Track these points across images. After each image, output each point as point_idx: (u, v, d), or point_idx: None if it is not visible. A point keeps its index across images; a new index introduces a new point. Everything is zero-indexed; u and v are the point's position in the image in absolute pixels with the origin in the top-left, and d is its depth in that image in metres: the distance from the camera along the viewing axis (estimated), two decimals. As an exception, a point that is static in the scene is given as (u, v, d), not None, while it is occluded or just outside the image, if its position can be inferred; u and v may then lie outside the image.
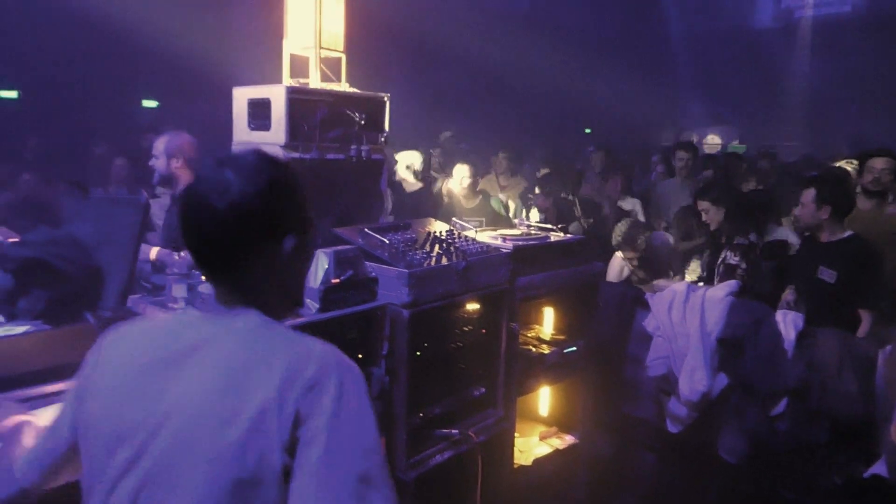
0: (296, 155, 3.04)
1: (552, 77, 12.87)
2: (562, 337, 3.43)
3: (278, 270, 1.26)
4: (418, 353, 2.56)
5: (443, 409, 2.71)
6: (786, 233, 4.35)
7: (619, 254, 4.75)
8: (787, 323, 3.32)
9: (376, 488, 1.09)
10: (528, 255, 3.03)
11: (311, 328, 2.20)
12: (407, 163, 5.48)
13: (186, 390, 1.15)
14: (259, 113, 3.12)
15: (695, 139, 12.65)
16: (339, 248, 2.41)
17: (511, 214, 5.73)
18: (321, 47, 3.28)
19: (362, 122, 3.26)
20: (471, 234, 3.09)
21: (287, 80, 3.28)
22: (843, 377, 3.14)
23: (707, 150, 12.73)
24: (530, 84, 12.67)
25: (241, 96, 3.19)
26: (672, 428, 3.62)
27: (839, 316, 3.49)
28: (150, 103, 9.92)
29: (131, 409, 1.18)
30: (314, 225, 1.35)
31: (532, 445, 3.38)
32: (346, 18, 3.44)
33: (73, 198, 2.68)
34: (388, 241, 2.67)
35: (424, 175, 5.72)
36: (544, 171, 6.43)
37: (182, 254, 2.34)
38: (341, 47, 3.41)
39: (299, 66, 3.36)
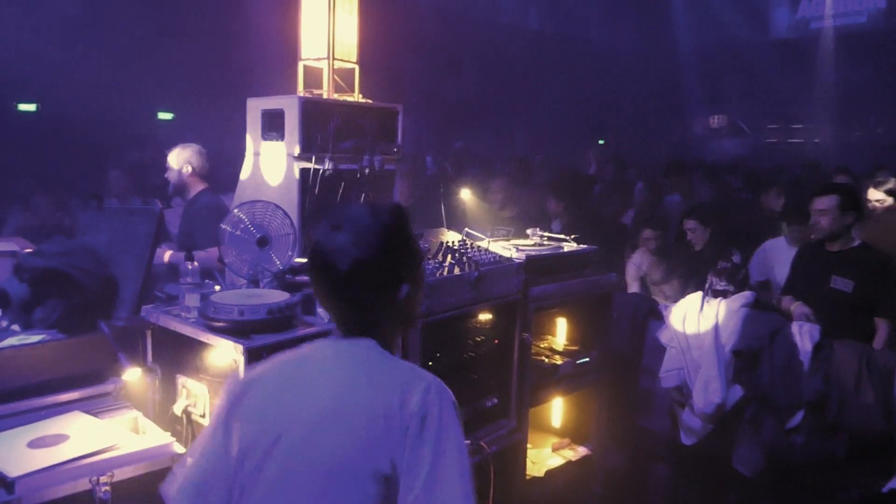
0: (309, 165, 3.06)
1: (565, 88, 12.87)
2: (575, 348, 3.41)
3: (394, 310, 1.43)
4: (430, 364, 2.55)
5: (455, 419, 2.69)
6: (782, 243, 4.34)
7: (633, 256, 4.73)
8: (803, 334, 3.27)
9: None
10: (541, 265, 3.02)
11: (324, 337, 2.20)
12: None
13: (308, 403, 1.31)
14: (273, 123, 3.15)
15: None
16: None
17: None
18: (335, 58, 3.31)
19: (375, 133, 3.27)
20: (483, 244, 3.09)
21: (301, 91, 3.31)
22: (861, 390, 3.10)
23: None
24: (543, 95, 12.68)
25: (255, 107, 3.22)
26: (686, 440, 3.57)
27: (855, 326, 3.45)
28: (165, 115, 10.01)
29: (261, 422, 1.34)
30: (425, 271, 1.52)
31: (544, 457, 3.36)
32: (359, 30, 3.46)
33: (89, 208, 2.69)
34: (400, 251, 2.67)
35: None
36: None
37: (195, 263, 2.35)
38: (354, 58, 3.43)
39: (313, 77, 3.38)
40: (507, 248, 3.10)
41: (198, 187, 4.01)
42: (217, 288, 2.49)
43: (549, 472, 3.21)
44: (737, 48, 14.72)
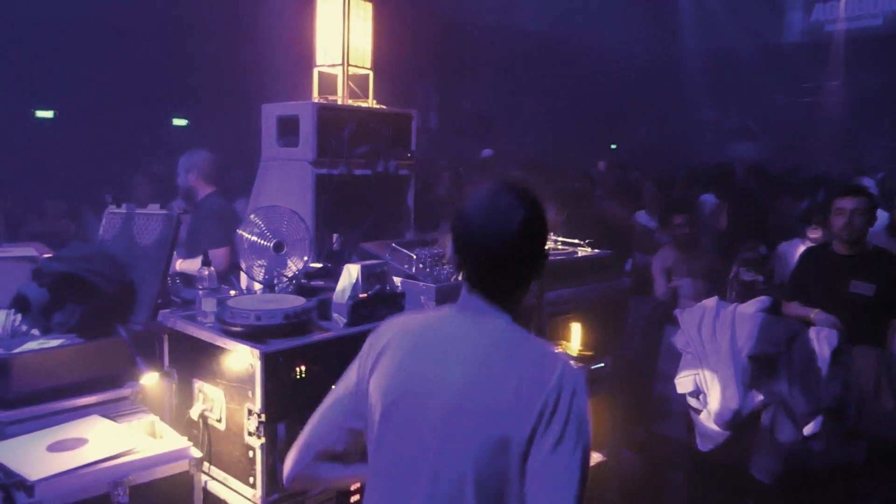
0: (323, 171, 3.08)
1: (578, 93, 12.86)
2: (590, 353, 3.39)
3: (529, 285, 1.52)
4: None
5: (470, 425, 2.69)
6: (797, 245, 4.30)
7: (660, 251, 4.68)
8: (821, 340, 3.24)
9: (586, 476, 1.35)
10: (556, 270, 3.02)
11: (339, 342, 2.21)
12: None
13: (449, 374, 1.40)
14: (288, 129, 3.17)
15: None
16: (367, 262, 2.42)
17: None
18: (349, 64, 3.32)
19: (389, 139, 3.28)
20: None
21: (316, 97, 3.32)
22: (880, 396, 3.06)
23: None
24: (555, 100, 12.67)
25: (271, 113, 3.24)
26: (702, 446, 3.54)
27: (874, 330, 3.41)
28: (180, 121, 10.10)
29: (401, 386, 1.44)
30: None
31: (559, 463, 3.34)
32: (373, 36, 3.48)
33: (106, 213, 2.72)
34: (415, 257, 2.68)
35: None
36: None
37: (211, 269, 2.37)
38: (369, 64, 3.45)
39: (327, 83, 3.40)
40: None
41: (205, 191, 4.04)
42: (233, 293, 2.50)
43: (564, 479, 3.19)
44: (750, 52, 14.65)
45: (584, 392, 1.37)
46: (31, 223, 5.60)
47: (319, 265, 2.69)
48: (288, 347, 2.09)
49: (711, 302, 3.63)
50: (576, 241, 3.41)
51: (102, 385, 2.18)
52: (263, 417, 2.04)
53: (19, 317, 2.26)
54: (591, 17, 14.37)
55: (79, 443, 1.88)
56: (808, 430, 3.17)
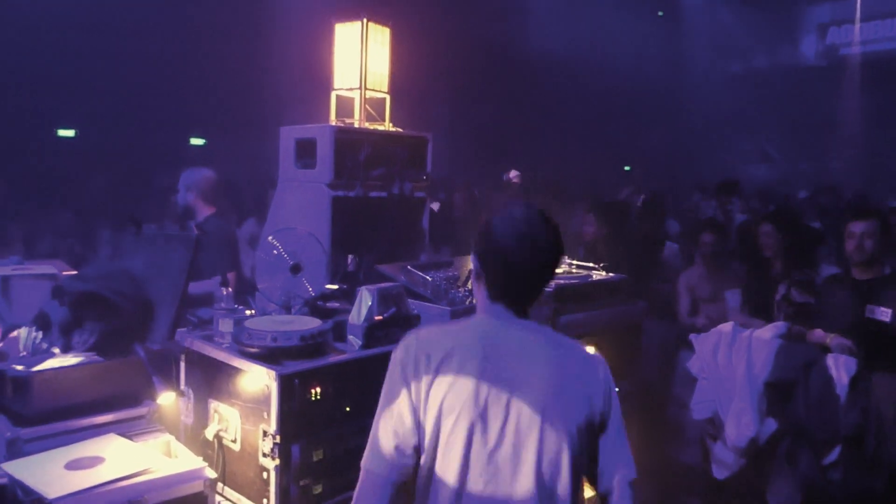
0: (340, 192, 3.11)
1: (592, 115, 12.89)
2: (604, 377, 3.37)
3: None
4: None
5: (483, 448, 2.68)
6: (831, 270, 4.25)
7: (687, 270, 4.66)
8: (840, 366, 3.20)
9: None
10: (571, 293, 3.02)
11: (355, 364, 2.22)
12: None
13: (532, 373, 1.60)
14: (305, 151, 3.21)
15: None
16: (383, 285, 2.43)
17: None
18: (367, 88, 3.37)
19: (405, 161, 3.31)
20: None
21: (333, 120, 3.37)
22: (900, 424, 3.02)
23: None
24: (569, 121, 12.71)
25: (288, 135, 3.28)
26: (718, 474, 3.50)
27: (893, 356, 3.36)
28: (197, 141, 10.23)
29: (480, 388, 1.58)
30: None
31: (573, 488, 3.31)
32: (390, 60, 3.52)
33: (127, 233, 2.75)
34: (430, 279, 2.69)
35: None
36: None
37: (229, 289, 2.39)
38: (386, 88, 3.49)
39: (344, 106, 3.44)
40: (535, 276, 3.10)
41: (204, 212, 3.97)
42: (248, 312, 2.52)
43: (578, 504, 3.17)
44: (765, 75, 14.66)
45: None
46: (43, 240, 5.66)
47: (335, 287, 2.71)
48: (304, 369, 2.10)
49: (727, 327, 3.61)
50: (591, 264, 3.41)
51: (119, 403, 2.19)
52: (278, 439, 2.04)
53: (40, 334, 2.28)
54: (605, 39, 14.45)
55: (96, 461, 1.89)
56: (826, 458, 3.13)
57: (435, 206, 5.65)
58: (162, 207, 5.74)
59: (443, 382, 1.59)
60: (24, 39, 7.04)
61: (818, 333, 3.66)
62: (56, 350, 2.31)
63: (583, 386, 1.64)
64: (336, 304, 2.58)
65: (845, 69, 14.78)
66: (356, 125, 3.34)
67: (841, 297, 3.68)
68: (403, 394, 1.62)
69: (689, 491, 3.79)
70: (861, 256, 3.54)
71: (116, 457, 1.93)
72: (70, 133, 8.61)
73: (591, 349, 1.79)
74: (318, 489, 2.14)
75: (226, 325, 2.28)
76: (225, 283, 2.40)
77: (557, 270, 3.41)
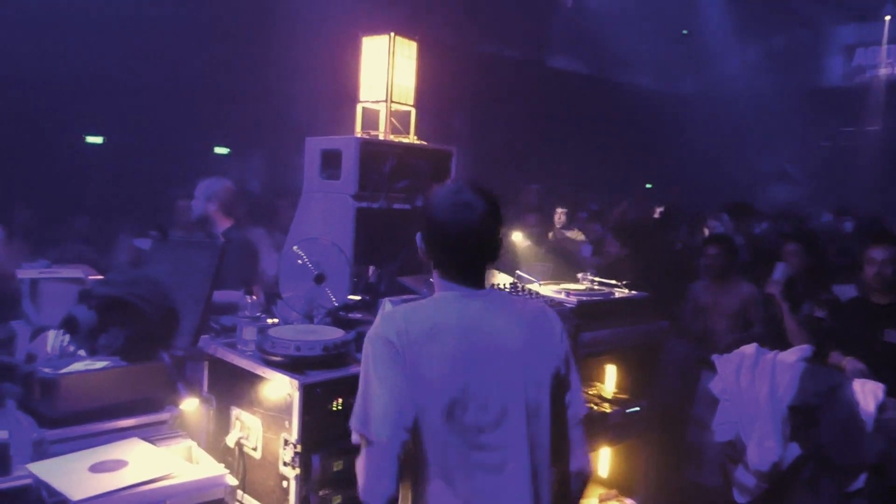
0: (364, 204, 3.13)
1: (613, 132, 12.88)
2: (624, 396, 3.35)
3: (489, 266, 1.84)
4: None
5: (501, 464, 2.66)
6: (851, 291, 4.20)
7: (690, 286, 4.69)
8: (866, 393, 3.14)
9: None
10: (592, 310, 3.00)
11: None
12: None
13: (501, 336, 1.70)
14: (330, 162, 3.23)
15: None
16: (405, 297, 2.44)
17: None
18: (392, 101, 3.39)
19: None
20: (534, 287, 3.08)
21: (358, 132, 3.39)
22: (927, 453, 2.95)
23: None
24: (591, 139, 12.70)
25: (314, 146, 3.31)
26: (739, 498, 3.44)
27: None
28: (221, 150, 10.34)
29: (462, 360, 1.65)
30: None
31: (591, 508, 3.28)
32: (416, 73, 3.55)
33: (154, 240, 2.79)
34: (452, 292, 2.69)
35: None
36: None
37: (253, 297, 2.41)
38: (412, 101, 3.51)
39: (370, 118, 3.47)
40: (557, 292, 3.09)
41: (224, 223, 3.95)
42: (270, 321, 2.54)
43: (596, 524, 3.13)
44: (789, 95, 14.56)
45: None
46: (69, 245, 5.72)
47: (357, 297, 2.72)
48: (326, 379, 2.11)
49: (751, 348, 3.56)
50: (613, 281, 3.39)
51: (143, 408, 2.21)
52: (299, 448, 2.05)
53: (68, 337, 2.31)
54: (626, 57, 14.46)
55: (119, 465, 1.91)
56: (851, 486, 3.07)
57: None
58: (172, 215, 5.79)
59: (426, 357, 1.63)
60: (55, 48, 7.19)
61: (835, 356, 3.62)
62: (82, 353, 2.34)
63: (550, 338, 1.79)
64: (358, 315, 2.59)
65: (871, 91, 14.66)
66: (381, 137, 3.36)
67: (859, 320, 3.65)
68: (395, 368, 1.63)
69: (709, 514, 3.74)
70: (881, 283, 3.56)
71: (139, 461, 1.94)
72: (98, 140, 8.75)
73: (546, 308, 1.91)
74: (337, 500, 2.13)
75: (249, 333, 2.30)
76: (249, 292, 2.42)
77: (578, 287, 3.40)
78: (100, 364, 2.22)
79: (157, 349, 2.32)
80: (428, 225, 1.75)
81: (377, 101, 3.42)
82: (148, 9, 7.67)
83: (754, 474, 3.31)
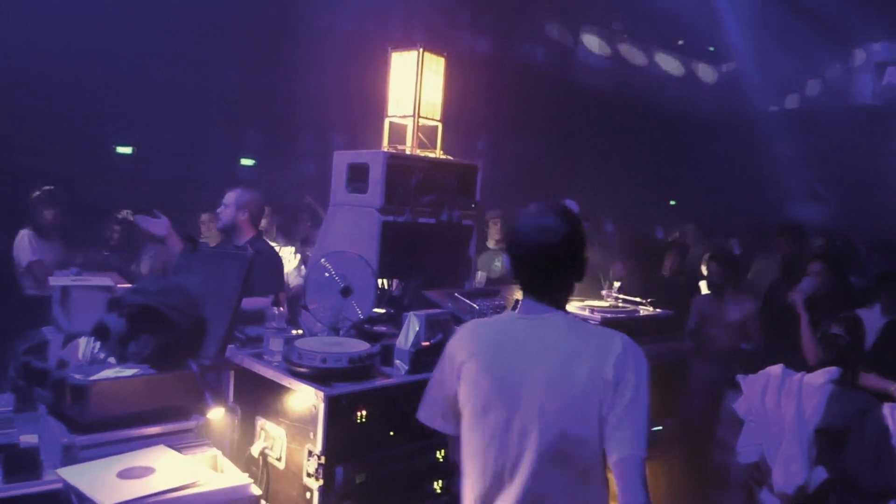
0: (389, 217, 3.15)
1: (639, 149, 12.83)
2: (647, 415, 3.31)
3: (573, 287, 1.85)
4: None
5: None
6: (876, 313, 4.13)
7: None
8: (896, 417, 3.09)
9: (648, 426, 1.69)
10: (616, 327, 2.98)
11: (401, 389, 2.23)
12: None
13: (534, 362, 1.71)
14: (357, 176, 3.26)
15: None
16: (431, 311, 2.45)
17: None
18: (420, 116, 3.42)
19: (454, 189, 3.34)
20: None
21: (385, 146, 3.42)
22: (960, 481, 2.89)
23: None
24: (616, 155, 12.66)
25: (341, 160, 3.34)
26: (764, 521, 3.39)
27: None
28: (247, 161, 10.47)
29: (498, 376, 1.73)
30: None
31: (612, 527, 3.24)
32: (443, 89, 3.58)
33: (184, 250, 2.83)
34: (476, 307, 2.70)
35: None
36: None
37: (281, 308, 2.44)
38: (438, 116, 3.54)
39: (396, 132, 3.50)
40: (581, 309, 3.08)
41: (249, 233, 3.97)
42: (294, 332, 2.56)
43: (617, 544, 3.09)
44: (818, 112, 14.41)
45: (644, 363, 1.72)
46: (96, 252, 5.82)
47: (382, 311, 2.73)
48: (351, 391, 2.12)
49: (777, 369, 3.52)
50: (638, 299, 3.37)
51: (170, 416, 2.24)
52: (323, 459, 2.06)
53: (98, 344, 2.36)
54: (654, 72, 14.42)
55: (147, 471, 1.93)
56: (880, 512, 3.01)
57: None
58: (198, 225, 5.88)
59: (466, 372, 1.77)
60: (88, 63, 7.37)
61: (873, 379, 3.55)
62: (112, 360, 2.38)
63: (592, 363, 1.68)
64: (383, 328, 2.61)
65: (901, 109, 14.45)
66: (408, 152, 3.39)
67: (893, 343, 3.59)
68: (444, 377, 1.84)
69: (733, 537, 3.68)
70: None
71: (166, 468, 1.97)
72: (127, 150, 8.91)
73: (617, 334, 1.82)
74: (359, 512, 2.14)
75: (276, 344, 2.32)
76: (277, 303, 2.44)
77: (602, 304, 3.40)
78: (129, 371, 2.25)
79: (185, 358, 2.35)
80: (511, 247, 1.81)
81: (405, 116, 3.45)
82: (177, 31, 7.83)
83: (779, 497, 3.26)
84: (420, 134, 3.47)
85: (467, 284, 3.46)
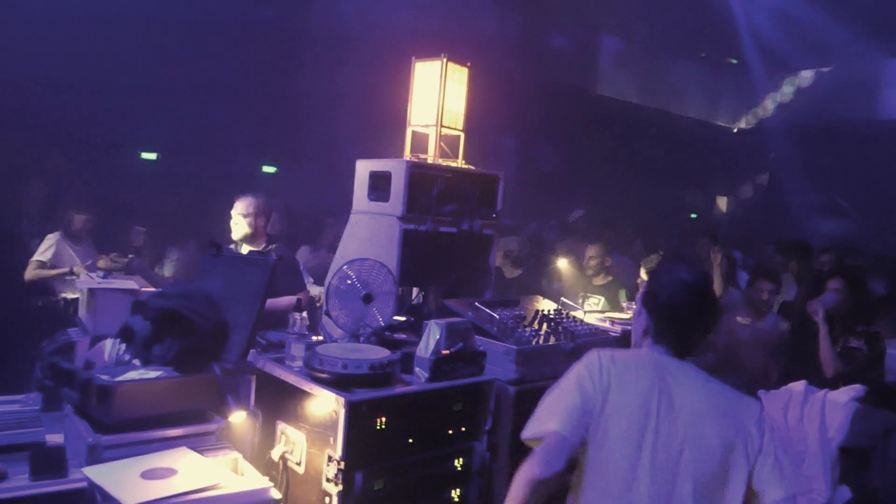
0: (411, 226, 3.16)
1: (660, 162, 12.77)
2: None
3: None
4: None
5: (541, 492, 2.64)
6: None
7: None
8: (922, 437, 3.03)
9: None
10: (637, 340, 2.97)
11: (420, 397, 2.24)
12: (505, 249, 5.52)
13: (681, 401, 1.78)
14: (379, 184, 3.29)
15: None
16: (451, 320, 2.46)
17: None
18: (442, 125, 3.44)
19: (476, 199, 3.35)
20: (579, 314, 3.07)
21: (407, 155, 3.44)
22: None
23: None
24: (634, 166, 12.62)
25: (364, 168, 3.37)
26: (785, 540, 3.33)
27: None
28: (269, 169, 10.57)
29: (640, 412, 1.77)
30: None
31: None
32: (466, 99, 3.59)
33: (208, 255, 2.87)
34: (497, 316, 2.70)
35: (524, 260, 5.76)
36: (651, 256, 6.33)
37: (304, 314, 2.46)
38: (461, 126, 3.56)
39: (419, 141, 3.52)
40: (601, 321, 3.07)
41: (264, 237, 4.09)
42: (314, 339, 2.57)
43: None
44: (841, 127, 14.24)
45: (773, 433, 1.83)
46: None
47: (403, 318, 2.74)
48: (372, 398, 2.13)
49: (799, 386, 3.47)
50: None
51: (192, 419, 2.26)
52: (343, 465, 2.07)
53: (123, 346, 2.39)
54: (676, 84, 14.36)
55: (169, 472, 1.96)
56: (905, 533, 2.95)
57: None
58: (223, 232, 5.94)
59: (618, 393, 1.78)
60: (115, 70, 7.51)
61: None
62: (136, 362, 2.41)
63: (736, 416, 1.78)
64: (403, 336, 2.62)
65: (930, 124, 14.24)
66: (430, 161, 3.40)
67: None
68: (579, 395, 1.80)
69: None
70: None
71: (188, 470, 1.99)
72: (152, 156, 9.04)
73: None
74: (376, 519, 2.15)
75: (298, 350, 2.34)
76: (299, 309, 2.47)
77: (623, 316, 3.38)
78: (153, 374, 2.28)
79: (208, 362, 2.38)
80: (659, 304, 1.88)
81: (427, 125, 3.47)
82: (201, 37, 7.95)
83: (802, 516, 3.20)
84: (442, 143, 3.49)
85: (487, 294, 3.46)
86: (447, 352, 2.34)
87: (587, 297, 4.12)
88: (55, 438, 2.12)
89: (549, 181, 11.64)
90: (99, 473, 1.91)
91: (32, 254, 5.20)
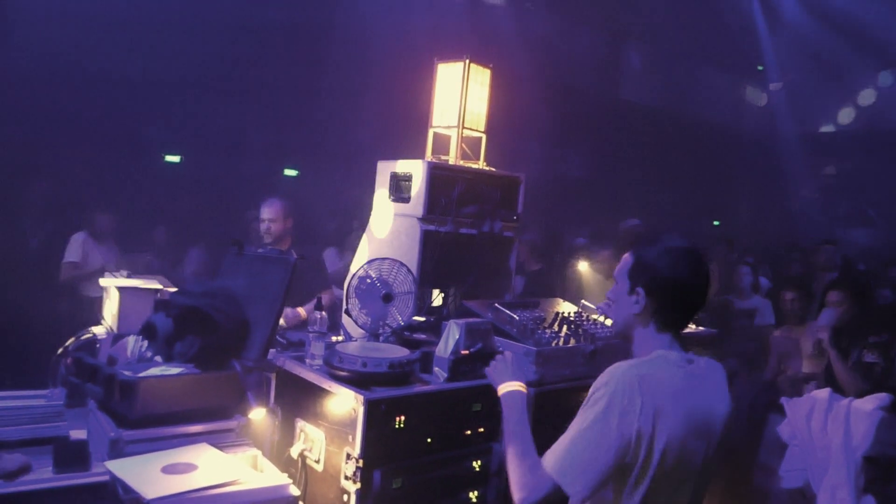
0: (431, 227, 3.17)
1: (681, 167, 12.67)
2: (688, 434, 3.24)
3: None
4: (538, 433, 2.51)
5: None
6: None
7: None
8: (951, 447, 2.97)
9: None
10: (658, 344, 2.94)
11: (439, 396, 2.24)
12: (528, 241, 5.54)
13: (711, 399, 1.82)
14: (400, 185, 3.29)
15: None
16: (471, 320, 2.45)
17: None
18: (464, 127, 3.44)
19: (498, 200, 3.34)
20: (598, 317, 3.05)
21: (429, 156, 3.45)
22: None
23: None
24: (660, 174, 12.52)
25: (385, 169, 3.38)
26: (808, 550, 3.28)
27: None
28: (290, 172, 10.65)
29: (691, 420, 1.73)
30: None
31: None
32: (488, 100, 3.59)
33: (230, 254, 2.89)
34: (517, 318, 2.69)
35: (544, 254, 5.76)
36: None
37: (323, 313, 2.47)
38: (483, 127, 3.56)
39: (440, 142, 3.53)
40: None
41: (289, 240, 4.20)
42: (334, 339, 2.58)
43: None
44: (866, 135, 14.04)
45: None
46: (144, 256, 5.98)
47: (422, 318, 2.75)
48: (391, 396, 2.13)
49: (823, 393, 3.42)
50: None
51: (213, 415, 2.28)
52: (361, 463, 2.07)
53: (146, 343, 2.42)
54: (702, 90, 14.25)
55: (190, 468, 1.97)
56: (932, 545, 2.88)
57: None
58: (248, 233, 5.99)
59: (663, 417, 1.65)
60: (139, 72, 7.64)
61: None
62: (158, 359, 2.44)
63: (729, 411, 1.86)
64: (422, 336, 2.62)
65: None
66: (451, 162, 3.41)
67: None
68: (613, 457, 1.63)
69: (774, 565, 3.57)
70: None
71: (208, 465, 2.00)
72: (176, 159, 9.16)
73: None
74: (394, 518, 2.15)
75: (318, 348, 2.35)
76: (320, 307, 2.48)
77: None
78: (175, 370, 2.30)
79: (229, 359, 2.39)
80: (661, 277, 1.76)
81: (449, 127, 3.47)
82: (222, 45, 8.06)
83: (826, 526, 3.15)
84: (464, 145, 3.49)
85: (507, 296, 3.45)
86: (466, 352, 2.34)
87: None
88: (79, 433, 2.15)
89: (570, 185, 11.60)
90: (121, 467, 1.93)
91: (36, 251, 5.31)
